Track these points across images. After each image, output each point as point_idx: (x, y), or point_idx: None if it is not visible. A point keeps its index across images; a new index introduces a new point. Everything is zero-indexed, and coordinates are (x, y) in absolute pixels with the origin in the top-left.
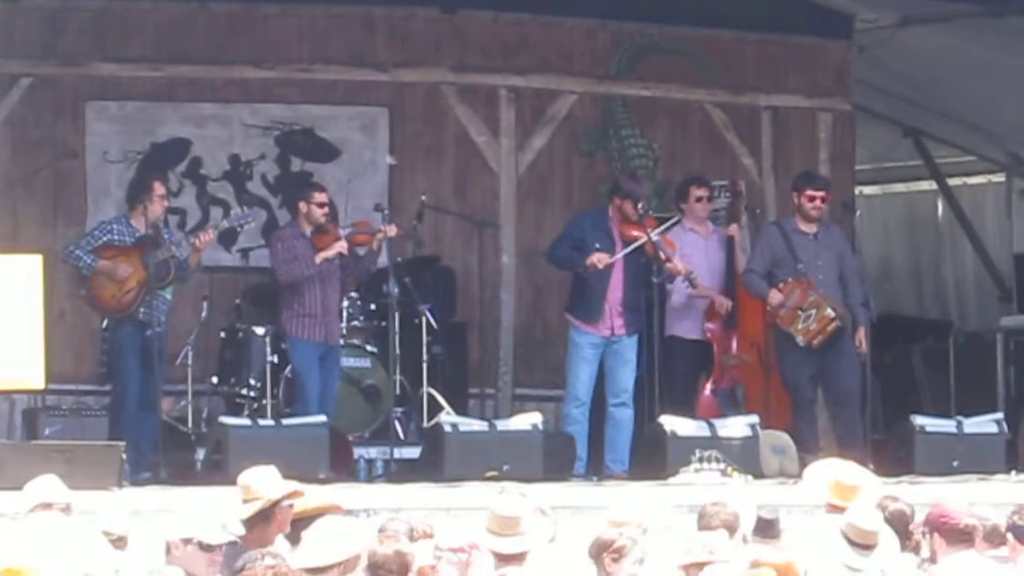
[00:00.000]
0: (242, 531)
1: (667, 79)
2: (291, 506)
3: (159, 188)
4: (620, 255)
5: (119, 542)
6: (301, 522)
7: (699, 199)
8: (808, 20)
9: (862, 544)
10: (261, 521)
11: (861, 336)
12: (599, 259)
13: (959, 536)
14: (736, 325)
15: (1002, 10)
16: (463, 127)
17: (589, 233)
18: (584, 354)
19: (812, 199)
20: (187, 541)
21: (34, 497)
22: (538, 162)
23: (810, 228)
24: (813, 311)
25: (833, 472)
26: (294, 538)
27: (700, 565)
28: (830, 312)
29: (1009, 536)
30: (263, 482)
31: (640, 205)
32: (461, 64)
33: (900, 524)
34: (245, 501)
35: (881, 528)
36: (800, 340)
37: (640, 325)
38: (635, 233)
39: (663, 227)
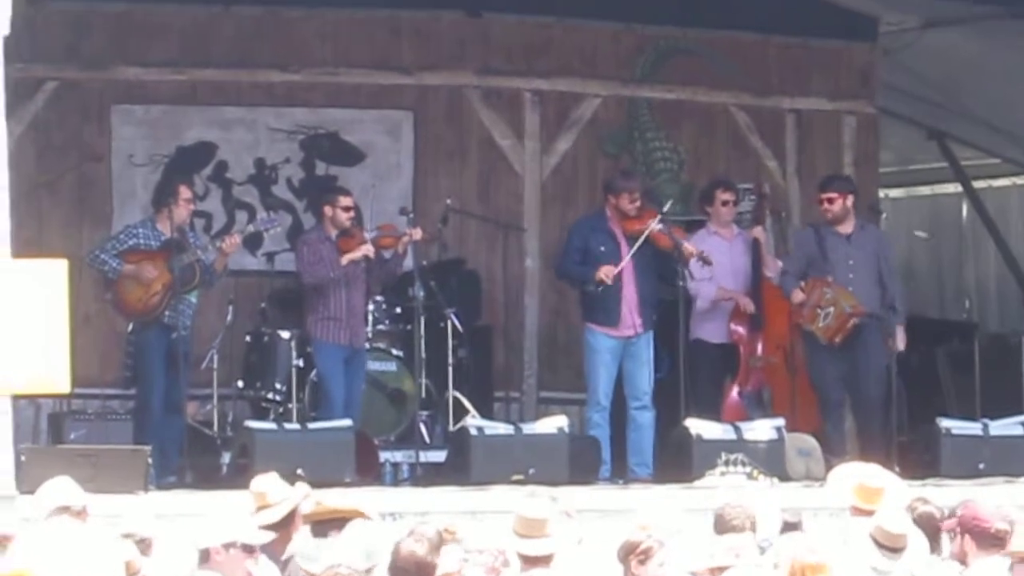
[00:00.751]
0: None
1: (691, 82)
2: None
3: (185, 192)
4: (626, 259)
5: (143, 545)
6: (324, 523)
7: (725, 203)
8: (832, 23)
9: (890, 547)
10: (282, 524)
11: (895, 338)
12: (606, 273)
13: (991, 540)
14: (762, 327)
15: None
16: (487, 130)
17: (590, 238)
18: (602, 359)
19: (820, 202)
20: (229, 545)
21: (51, 501)
22: (562, 165)
23: (844, 229)
24: (831, 308)
25: (857, 475)
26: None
27: (723, 569)
28: (847, 308)
29: None
30: (279, 487)
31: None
32: (485, 67)
33: (929, 527)
34: (259, 507)
35: (909, 531)
36: (821, 338)
37: (653, 321)
38: (638, 227)
39: (664, 209)
